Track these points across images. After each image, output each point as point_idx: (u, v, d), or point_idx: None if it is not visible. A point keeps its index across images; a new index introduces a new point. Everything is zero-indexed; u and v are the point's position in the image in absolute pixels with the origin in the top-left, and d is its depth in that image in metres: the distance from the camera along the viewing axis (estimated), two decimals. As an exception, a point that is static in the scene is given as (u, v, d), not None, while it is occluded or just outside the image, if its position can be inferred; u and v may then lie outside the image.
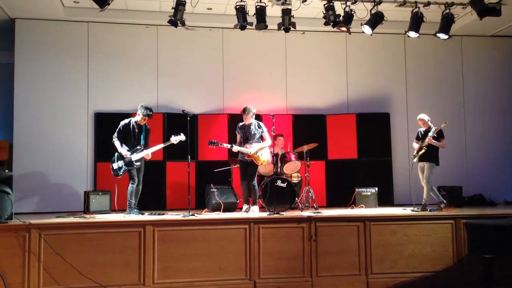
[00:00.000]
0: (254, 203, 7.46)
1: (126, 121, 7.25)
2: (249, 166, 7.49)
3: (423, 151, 7.44)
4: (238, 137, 7.62)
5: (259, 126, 7.59)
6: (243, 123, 7.59)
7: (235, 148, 7.43)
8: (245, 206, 7.49)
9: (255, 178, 7.54)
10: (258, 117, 8.95)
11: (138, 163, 7.16)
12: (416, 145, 7.64)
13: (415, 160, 7.57)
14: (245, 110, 7.47)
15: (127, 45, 9.26)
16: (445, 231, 6.75)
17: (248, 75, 9.58)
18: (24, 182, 8.37)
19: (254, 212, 7.26)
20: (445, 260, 6.70)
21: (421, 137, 7.65)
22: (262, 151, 7.49)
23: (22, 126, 8.73)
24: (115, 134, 7.17)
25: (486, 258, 5.78)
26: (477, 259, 6.21)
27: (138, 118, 7.20)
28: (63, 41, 9.03)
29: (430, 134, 7.41)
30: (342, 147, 9.47)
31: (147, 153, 7.17)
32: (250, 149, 7.39)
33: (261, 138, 7.57)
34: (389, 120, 9.65)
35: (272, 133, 7.57)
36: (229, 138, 8.83)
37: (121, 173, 7.08)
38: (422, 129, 7.71)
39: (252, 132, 7.51)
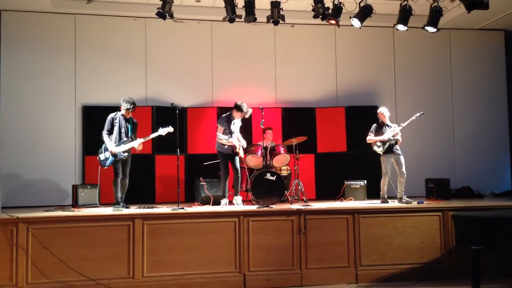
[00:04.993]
0: (236, 193, 7.43)
1: (113, 114, 7.22)
2: (231, 158, 7.45)
3: (393, 142, 7.56)
4: (222, 129, 7.44)
5: (240, 122, 7.65)
6: (229, 114, 7.54)
7: (231, 140, 7.31)
8: (224, 201, 7.32)
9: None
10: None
11: (126, 154, 7.13)
12: (377, 138, 7.65)
13: (383, 151, 7.59)
14: (242, 108, 7.36)
15: (115, 38, 9.17)
16: (433, 223, 6.81)
17: (237, 68, 9.54)
18: (11, 176, 8.29)
19: (238, 203, 7.29)
20: (433, 252, 6.77)
21: (383, 130, 7.71)
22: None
23: (9, 119, 8.61)
24: (104, 130, 7.13)
25: (473, 250, 5.83)
26: (464, 251, 6.26)
27: (122, 111, 7.19)
28: (50, 33, 8.91)
29: (403, 124, 7.58)
30: (331, 140, 9.49)
31: (139, 143, 7.11)
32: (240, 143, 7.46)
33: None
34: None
35: (261, 126, 7.57)
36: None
37: (108, 163, 7.05)
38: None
39: (238, 126, 7.57)
